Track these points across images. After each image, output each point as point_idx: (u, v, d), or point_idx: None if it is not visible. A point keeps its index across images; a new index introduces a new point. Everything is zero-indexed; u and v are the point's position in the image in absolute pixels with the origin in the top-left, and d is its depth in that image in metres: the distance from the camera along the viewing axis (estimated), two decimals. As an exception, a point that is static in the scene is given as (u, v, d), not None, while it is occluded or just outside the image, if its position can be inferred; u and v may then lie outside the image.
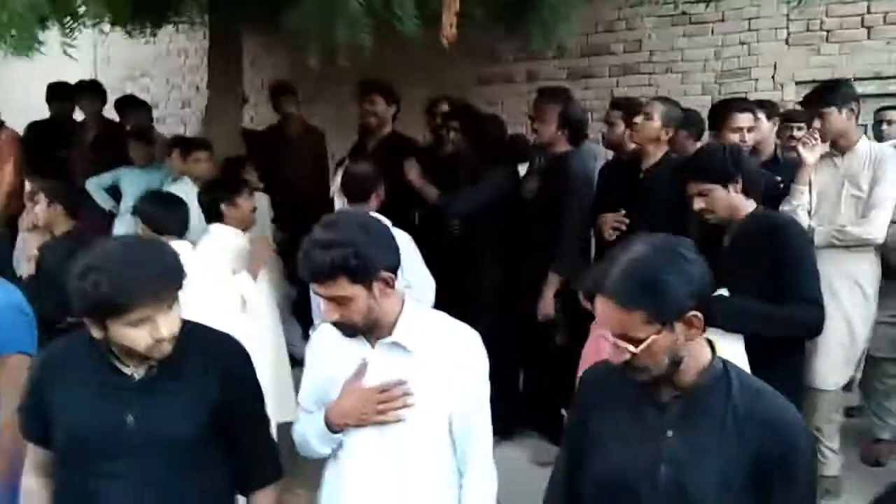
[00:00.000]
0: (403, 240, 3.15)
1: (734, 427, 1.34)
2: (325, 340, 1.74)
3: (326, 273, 1.53)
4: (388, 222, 3.07)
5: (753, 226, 2.52)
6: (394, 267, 1.62)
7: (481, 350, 1.71)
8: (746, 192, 2.55)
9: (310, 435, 1.73)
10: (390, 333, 1.65)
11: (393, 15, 2.71)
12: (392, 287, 1.61)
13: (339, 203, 3.71)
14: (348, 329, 1.63)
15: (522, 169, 4.14)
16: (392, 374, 1.64)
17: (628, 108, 3.75)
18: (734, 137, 3.30)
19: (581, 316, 2.98)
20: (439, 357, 1.65)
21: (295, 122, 5.05)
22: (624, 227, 3.33)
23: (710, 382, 1.39)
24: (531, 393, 3.95)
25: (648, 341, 1.32)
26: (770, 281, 2.39)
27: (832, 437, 3.20)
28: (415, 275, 3.11)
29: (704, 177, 2.57)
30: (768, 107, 3.95)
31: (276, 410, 2.88)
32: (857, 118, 3.18)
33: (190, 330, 1.61)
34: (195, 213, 3.11)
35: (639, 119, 3.32)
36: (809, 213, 3.13)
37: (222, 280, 2.84)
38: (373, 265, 1.56)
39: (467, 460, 1.70)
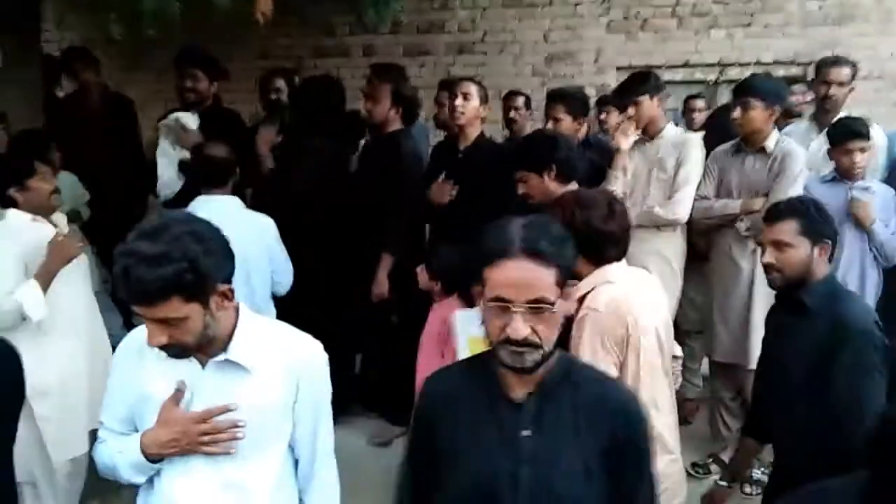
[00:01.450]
0: (267, 225, 3.03)
1: (587, 417, 1.34)
2: (137, 349, 1.49)
3: (156, 294, 1.30)
4: (242, 206, 2.94)
5: None
6: (230, 275, 1.42)
7: (325, 358, 1.58)
8: (561, 178, 2.68)
9: (119, 461, 1.51)
10: (224, 349, 1.46)
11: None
12: (230, 299, 1.43)
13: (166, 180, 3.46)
14: (178, 351, 1.41)
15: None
16: (228, 397, 1.46)
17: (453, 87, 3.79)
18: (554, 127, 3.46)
19: (414, 295, 3.06)
20: (283, 372, 1.49)
21: (94, 92, 4.48)
22: (452, 196, 3.42)
23: (558, 374, 1.35)
24: (369, 374, 3.93)
25: (556, 306, 1.26)
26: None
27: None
28: (278, 263, 3.04)
29: (521, 165, 2.71)
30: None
31: (91, 419, 2.66)
32: (663, 106, 3.42)
33: None
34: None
35: (458, 100, 3.38)
36: (624, 195, 3.33)
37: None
38: (210, 279, 1.35)
39: (310, 472, 1.59)
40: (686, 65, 5.43)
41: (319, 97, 3.92)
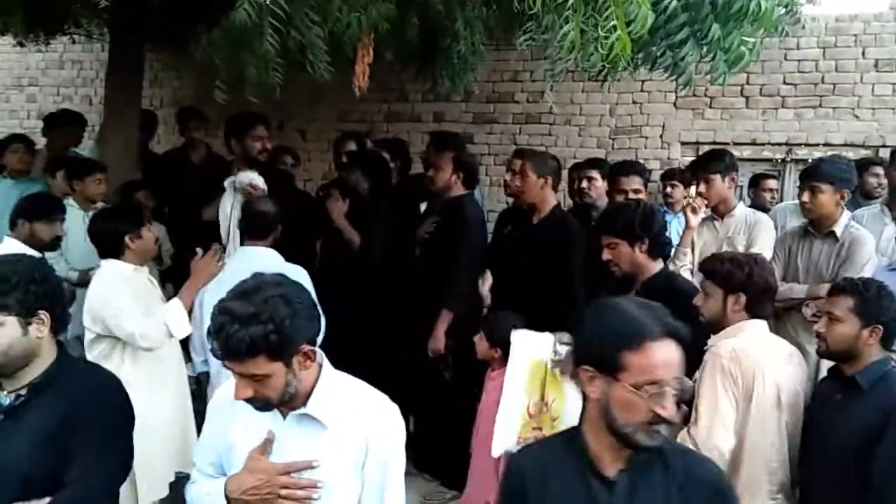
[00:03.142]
0: (300, 275, 3.12)
1: (678, 494, 1.36)
2: (230, 399, 1.57)
3: (244, 352, 1.42)
4: (280, 258, 3.09)
5: (657, 285, 2.70)
6: (315, 337, 1.52)
7: (399, 422, 1.63)
8: (651, 252, 2.74)
9: (205, 502, 1.61)
10: (304, 404, 1.54)
11: (306, 59, 2.72)
12: (312, 360, 1.52)
13: (225, 232, 3.66)
14: (262, 405, 1.51)
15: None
16: (303, 449, 1.53)
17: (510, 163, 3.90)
18: (621, 197, 3.54)
19: (469, 355, 3.11)
20: (355, 431, 1.55)
21: (200, 149, 4.90)
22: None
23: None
24: (422, 434, 3.96)
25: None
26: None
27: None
28: None
29: (613, 231, 2.76)
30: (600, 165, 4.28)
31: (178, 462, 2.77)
32: (736, 185, 3.46)
33: None
34: (80, 241, 2.94)
35: (509, 177, 3.55)
36: (692, 272, 3.35)
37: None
38: (294, 341, 1.45)
39: None
40: (753, 143, 5.46)
41: (384, 161, 4.14)
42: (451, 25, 3.03)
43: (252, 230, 3.13)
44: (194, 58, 3.10)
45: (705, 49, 2.93)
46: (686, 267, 3.34)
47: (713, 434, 2.18)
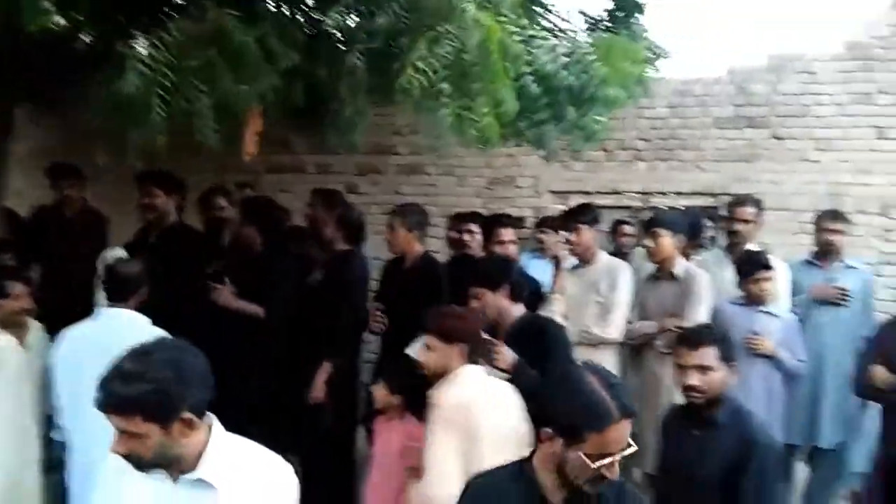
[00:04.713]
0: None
1: None
2: (119, 466, 1.56)
3: (121, 407, 1.46)
4: (147, 320, 3.04)
5: (522, 326, 3.01)
6: (202, 405, 1.55)
7: (293, 481, 1.66)
8: (512, 296, 3.02)
9: None
10: (194, 468, 1.55)
11: (194, 128, 2.79)
12: (193, 428, 1.53)
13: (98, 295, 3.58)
14: (137, 462, 1.52)
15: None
16: None
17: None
18: (500, 249, 3.83)
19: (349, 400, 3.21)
20: (248, 493, 1.57)
21: (74, 204, 4.63)
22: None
23: None
24: (308, 478, 3.99)
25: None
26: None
27: None
28: None
29: (477, 282, 3.05)
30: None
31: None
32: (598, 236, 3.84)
33: None
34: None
35: (386, 234, 3.87)
36: (564, 316, 3.67)
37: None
38: (173, 406, 1.48)
39: None
40: (614, 192, 5.98)
41: (279, 215, 4.23)
42: (335, 92, 3.20)
43: (111, 292, 3.03)
44: (65, 115, 3.08)
45: (564, 127, 3.32)
46: (558, 312, 3.65)
47: (436, 484, 2.35)
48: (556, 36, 3.29)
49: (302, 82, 3.18)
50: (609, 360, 3.71)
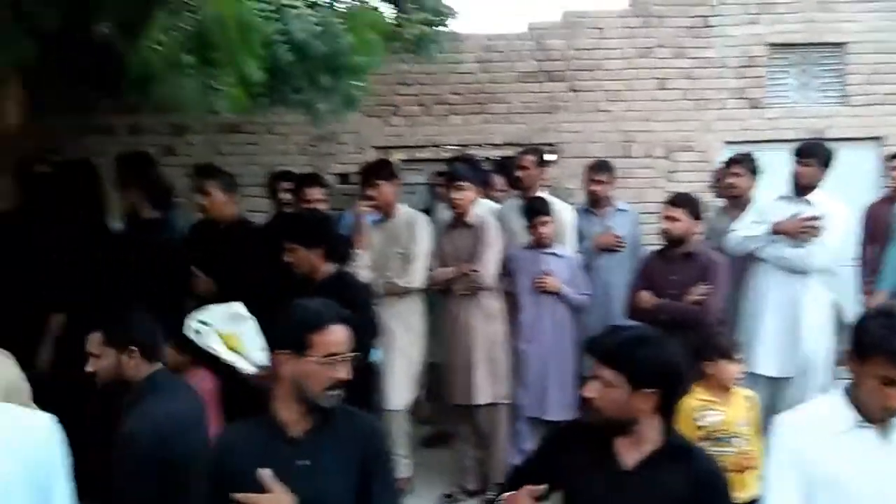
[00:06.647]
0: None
1: (349, 442, 1.85)
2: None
3: None
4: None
5: (331, 284, 3.19)
6: None
7: (52, 431, 1.59)
8: (326, 255, 3.24)
9: None
10: None
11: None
12: None
13: None
14: None
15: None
16: None
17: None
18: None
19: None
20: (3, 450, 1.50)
21: None
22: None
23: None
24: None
25: None
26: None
27: (401, 444, 3.97)
28: None
29: (292, 238, 3.24)
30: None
31: None
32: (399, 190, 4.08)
33: None
34: None
35: (198, 197, 3.77)
36: (368, 268, 3.89)
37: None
38: None
39: None
40: (433, 145, 6.25)
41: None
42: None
43: None
44: None
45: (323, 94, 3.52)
46: (363, 265, 3.87)
47: None
48: (311, 6, 3.42)
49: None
50: (416, 308, 4.02)
